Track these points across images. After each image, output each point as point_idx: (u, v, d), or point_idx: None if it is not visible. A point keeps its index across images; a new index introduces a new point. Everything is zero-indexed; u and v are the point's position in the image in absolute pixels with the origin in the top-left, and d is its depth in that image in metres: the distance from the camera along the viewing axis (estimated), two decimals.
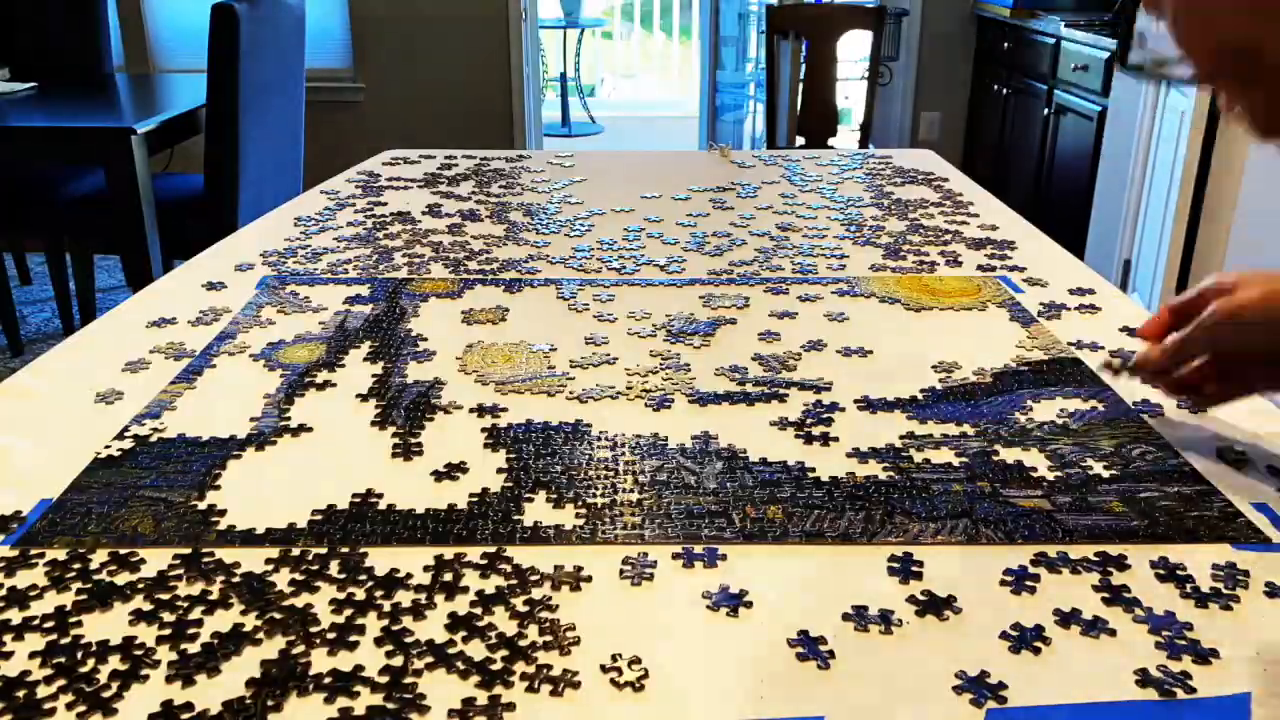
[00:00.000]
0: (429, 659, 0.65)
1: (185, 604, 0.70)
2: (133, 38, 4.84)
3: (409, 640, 0.67)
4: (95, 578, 0.73)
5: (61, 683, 0.63)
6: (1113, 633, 0.69)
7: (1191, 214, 2.85)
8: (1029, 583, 0.73)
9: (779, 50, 4.09)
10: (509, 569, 0.74)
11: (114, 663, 0.65)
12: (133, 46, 4.85)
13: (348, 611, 0.70)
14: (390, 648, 0.66)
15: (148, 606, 0.70)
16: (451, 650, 0.66)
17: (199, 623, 0.69)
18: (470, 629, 0.68)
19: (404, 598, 0.71)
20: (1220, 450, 0.91)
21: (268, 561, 0.75)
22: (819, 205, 1.69)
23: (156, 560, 0.75)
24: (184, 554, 0.76)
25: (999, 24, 4.59)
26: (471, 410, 0.99)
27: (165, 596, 0.71)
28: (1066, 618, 0.70)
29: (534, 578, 0.73)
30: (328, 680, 0.63)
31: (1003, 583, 0.74)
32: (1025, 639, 0.68)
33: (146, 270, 2.97)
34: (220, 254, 1.45)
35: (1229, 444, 0.92)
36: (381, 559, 0.75)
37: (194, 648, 0.66)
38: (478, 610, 0.70)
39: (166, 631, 0.68)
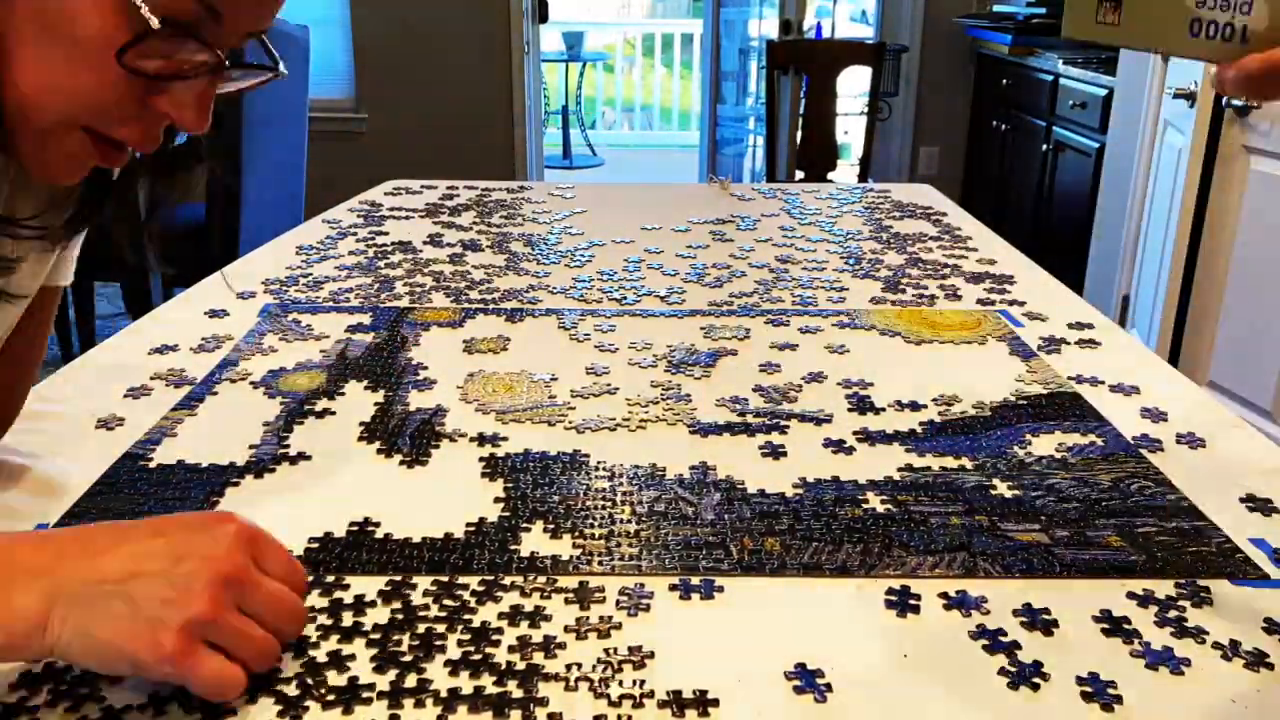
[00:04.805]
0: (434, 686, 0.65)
1: None
2: None
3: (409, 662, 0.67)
4: None
5: (66, 705, 0.63)
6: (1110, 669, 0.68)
7: (1190, 250, 2.86)
8: (1027, 618, 0.73)
9: (779, 85, 4.13)
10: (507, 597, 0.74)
11: (104, 686, 0.65)
12: None
13: (335, 637, 0.70)
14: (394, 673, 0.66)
15: None
16: (456, 679, 0.66)
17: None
18: (474, 662, 0.68)
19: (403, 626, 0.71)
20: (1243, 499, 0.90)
21: None
22: (818, 238, 1.70)
23: None
24: None
25: (997, 61, 4.63)
26: (472, 439, 0.99)
27: None
28: (1065, 653, 0.70)
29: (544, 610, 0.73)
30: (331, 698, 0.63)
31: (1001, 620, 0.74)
32: (1024, 675, 0.67)
33: (146, 298, 2.98)
34: (222, 282, 1.46)
35: (1250, 492, 0.91)
36: (375, 586, 0.75)
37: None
38: (475, 644, 0.70)
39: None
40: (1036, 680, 0.67)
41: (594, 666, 0.67)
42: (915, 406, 1.07)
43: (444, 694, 0.65)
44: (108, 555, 0.61)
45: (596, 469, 0.94)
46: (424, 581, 0.76)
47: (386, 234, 1.70)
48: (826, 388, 1.12)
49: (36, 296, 0.85)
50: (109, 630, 0.59)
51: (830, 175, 4.02)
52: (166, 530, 0.64)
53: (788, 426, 1.02)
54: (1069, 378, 1.15)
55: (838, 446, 0.98)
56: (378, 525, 0.84)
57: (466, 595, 0.75)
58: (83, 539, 0.64)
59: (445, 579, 0.76)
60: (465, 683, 0.66)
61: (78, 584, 0.60)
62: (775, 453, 0.97)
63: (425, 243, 1.65)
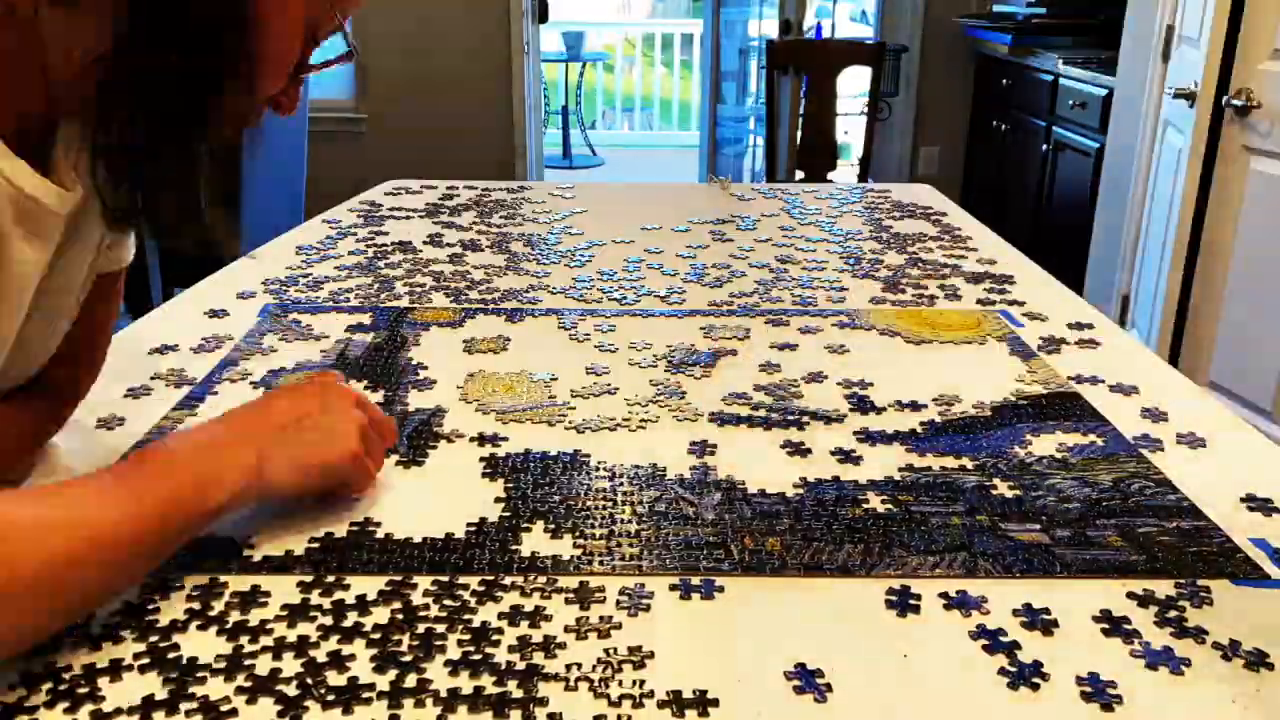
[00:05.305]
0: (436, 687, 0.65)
1: (172, 627, 0.70)
2: None
3: (408, 662, 0.67)
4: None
5: (65, 705, 0.63)
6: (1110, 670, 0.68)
7: (1190, 249, 2.86)
8: (1027, 618, 0.73)
9: (779, 85, 4.12)
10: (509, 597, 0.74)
11: (104, 685, 0.65)
12: None
13: (335, 637, 0.70)
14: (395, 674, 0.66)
15: (131, 634, 0.70)
16: (456, 679, 0.66)
17: (176, 647, 0.69)
18: (475, 662, 0.68)
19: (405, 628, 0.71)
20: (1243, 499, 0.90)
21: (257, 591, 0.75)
22: (818, 238, 1.70)
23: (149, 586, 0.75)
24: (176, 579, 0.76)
25: (997, 61, 4.62)
26: (472, 439, 0.99)
27: (152, 618, 0.71)
28: (1065, 653, 0.70)
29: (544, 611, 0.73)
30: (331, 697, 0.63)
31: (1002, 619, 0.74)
32: (1024, 675, 0.67)
33: (146, 298, 2.97)
34: (222, 282, 1.46)
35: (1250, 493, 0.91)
36: (375, 586, 0.75)
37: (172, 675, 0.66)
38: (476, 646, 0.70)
39: (146, 661, 0.67)
40: (1036, 680, 0.67)
41: (594, 666, 0.67)
42: (915, 406, 1.07)
43: (444, 694, 0.65)
44: (272, 415, 0.81)
45: (597, 469, 0.94)
46: (424, 581, 0.76)
47: (386, 234, 1.70)
48: (827, 388, 1.12)
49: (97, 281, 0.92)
50: (306, 454, 0.80)
51: (830, 175, 4.01)
52: (292, 392, 0.87)
53: (792, 424, 1.02)
54: (1069, 378, 1.15)
55: (842, 453, 0.98)
56: (378, 525, 0.84)
57: (466, 595, 0.75)
58: (244, 415, 0.82)
59: (445, 579, 0.76)
60: (465, 683, 0.66)
61: (268, 436, 0.79)
62: (798, 450, 0.97)
63: (425, 243, 1.65)
